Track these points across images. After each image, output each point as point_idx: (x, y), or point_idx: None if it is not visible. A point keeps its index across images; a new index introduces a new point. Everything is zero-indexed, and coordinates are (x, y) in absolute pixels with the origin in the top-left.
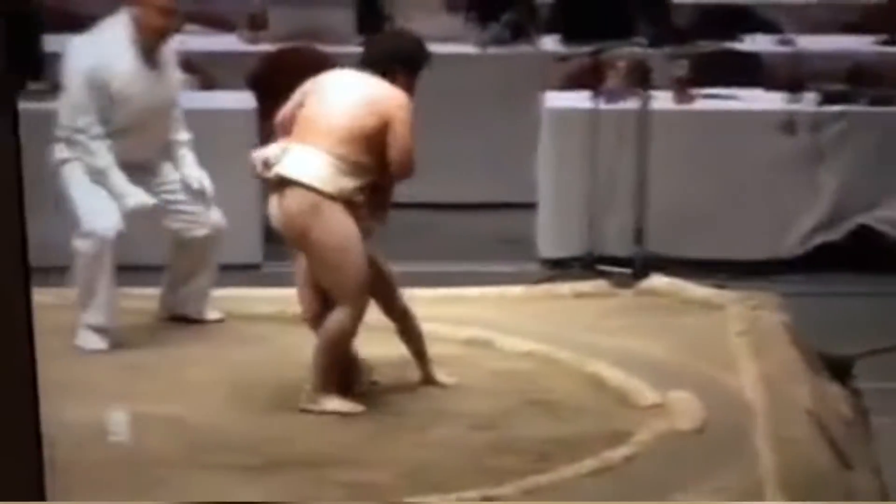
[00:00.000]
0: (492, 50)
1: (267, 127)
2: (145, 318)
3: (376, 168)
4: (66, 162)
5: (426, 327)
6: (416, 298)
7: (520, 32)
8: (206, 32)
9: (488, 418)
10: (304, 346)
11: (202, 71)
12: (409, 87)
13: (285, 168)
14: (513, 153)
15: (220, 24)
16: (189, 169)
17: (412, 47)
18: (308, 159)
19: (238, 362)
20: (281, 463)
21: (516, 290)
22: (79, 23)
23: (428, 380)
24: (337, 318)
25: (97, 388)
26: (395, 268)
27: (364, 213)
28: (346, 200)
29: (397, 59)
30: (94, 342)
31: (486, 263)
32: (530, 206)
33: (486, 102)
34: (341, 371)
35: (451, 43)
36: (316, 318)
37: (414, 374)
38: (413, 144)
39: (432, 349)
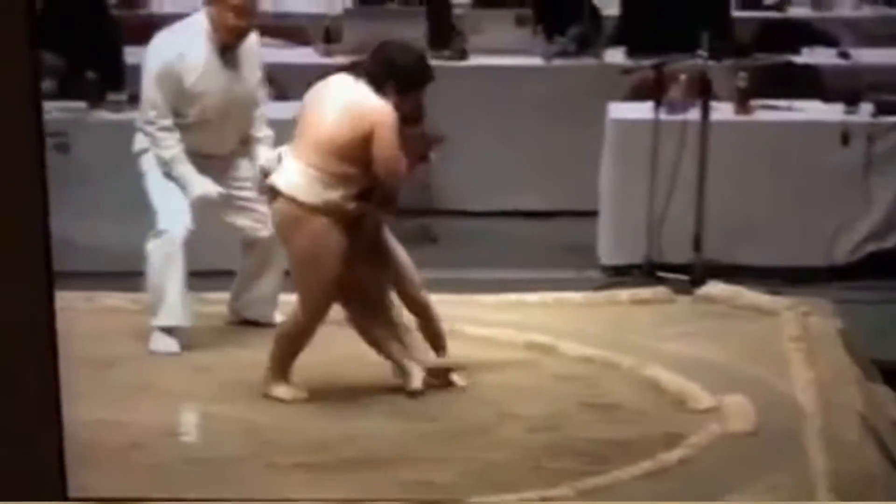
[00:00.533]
0: (558, 62)
1: None
2: (216, 321)
3: (364, 176)
4: (145, 152)
5: (488, 332)
6: (480, 304)
7: (585, 45)
8: (282, 45)
9: (547, 421)
10: (367, 349)
11: (276, 82)
12: (400, 102)
13: (274, 179)
14: (576, 162)
15: (296, 37)
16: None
17: (408, 64)
18: (293, 170)
19: (302, 365)
20: (346, 463)
21: (577, 296)
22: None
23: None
24: (295, 317)
25: (169, 390)
26: (460, 274)
27: (369, 211)
28: (332, 212)
29: (391, 74)
30: (167, 345)
31: (548, 270)
32: (592, 214)
33: (552, 113)
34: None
35: (520, 55)
36: (354, 321)
37: (483, 377)
38: (395, 152)
39: (494, 354)
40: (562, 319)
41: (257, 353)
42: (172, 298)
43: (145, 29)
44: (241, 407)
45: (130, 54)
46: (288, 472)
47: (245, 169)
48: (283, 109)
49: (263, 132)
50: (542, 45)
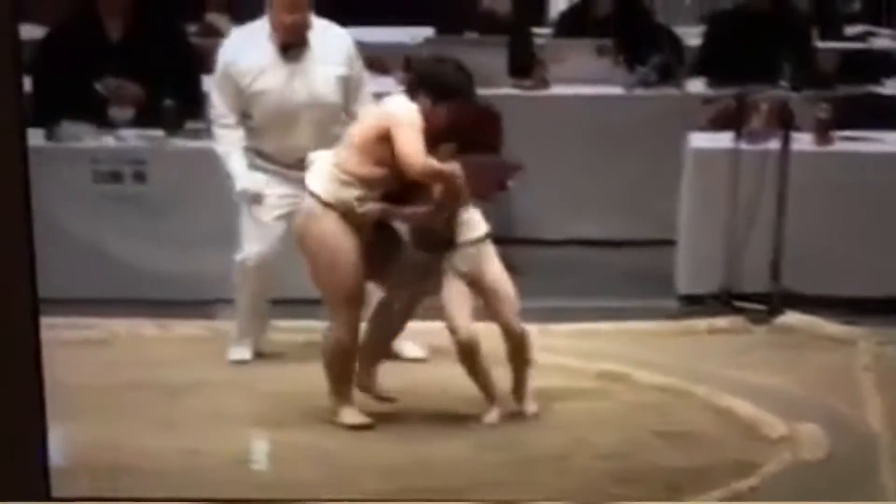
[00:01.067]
0: (639, 92)
1: None
2: (291, 348)
3: (385, 179)
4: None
5: (563, 361)
6: (555, 332)
7: (666, 75)
8: None
9: (620, 448)
10: (453, 375)
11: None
12: (433, 110)
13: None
14: (655, 191)
15: (376, 67)
16: None
17: (438, 72)
18: (320, 168)
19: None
20: (419, 490)
21: (652, 325)
22: None
23: (517, 404)
24: (331, 332)
25: (238, 416)
26: (537, 303)
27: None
28: (345, 212)
29: (421, 83)
30: (239, 353)
31: (625, 299)
32: (670, 244)
33: (631, 142)
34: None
35: (601, 85)
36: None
37: (557, 405)
38: (414, 149)
39: (568, 382)
40: (636, 348)
41: None
42: (244, 322)
43: None
44: (314, 434)
45: (209, 82)
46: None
47: None
48: None
49: None
50: (622, 75)
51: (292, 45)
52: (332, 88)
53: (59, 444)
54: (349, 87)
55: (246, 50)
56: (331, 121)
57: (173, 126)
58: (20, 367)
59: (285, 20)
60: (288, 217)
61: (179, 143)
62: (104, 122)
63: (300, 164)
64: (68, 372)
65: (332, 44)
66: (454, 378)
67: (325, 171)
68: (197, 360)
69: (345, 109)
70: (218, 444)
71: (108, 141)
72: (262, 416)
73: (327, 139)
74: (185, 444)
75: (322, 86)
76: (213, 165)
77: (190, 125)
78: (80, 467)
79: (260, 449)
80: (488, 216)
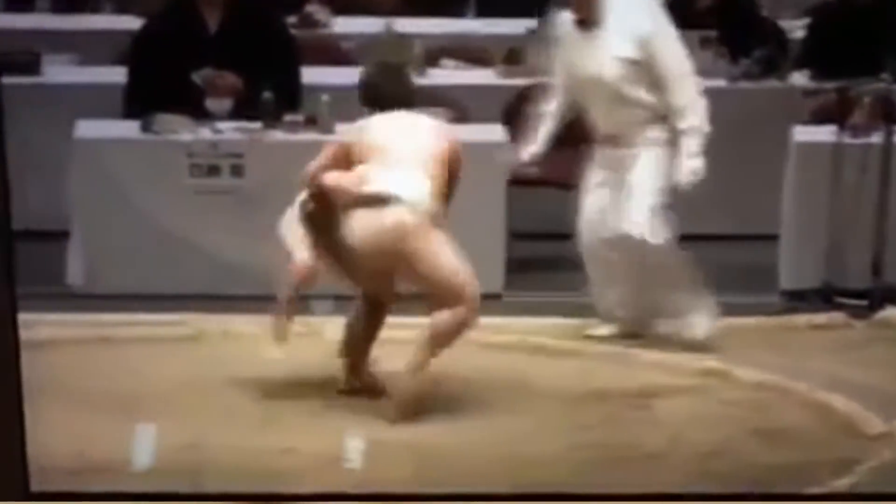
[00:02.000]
0: (743, 84)
1: None
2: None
3: None
4: None
5: (663, 357)
6: None
7: (770, 68)
8: (463, 67)
9: (718, 446)
10: (546, 375)
11: (455, 104)
12: None
13: None
14: (758, 185)
15: (479, 59)
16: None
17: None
18: None
19: (473, 390)
20: (512, 486)
21: (752, 321)
22: (335, 56)
23: None
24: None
25: (325, 416)
26: None
27: None
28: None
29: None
30: None
31: (728, 294)
32: (773, 238)
33: (735, 135)
34: None
35: (704, 77)
36: None
37: (656, 403)
38: None
39: (668, 379)
40: (737, 344)
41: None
42: None
43: (323, 50)
44: (406, 431)
45: (307, 75)
46: (456, 499)
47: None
48: (458, 132)
49: (687, 122)
50: (726, 67)
51: (584, 22)
52: (621, 70)
53: (145, 442)
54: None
55: (563, 20)
56: (624, 104)
57: (271, 118)
58: None
59: None
60: None
61: (278, 135)
62: (201, 115)
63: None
64: (157, 369)
65: (619, 23)
66: (539, 371)
67: None
68: (295, 359)
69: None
70: (315, 444)
71: (205, 133)
72: (359, 416)
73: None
74: (285, 443)
75: (608, 66)
76: (311, 158)
77: (288, 118)
78: (169, 466)
79: (354, 447)
80: None
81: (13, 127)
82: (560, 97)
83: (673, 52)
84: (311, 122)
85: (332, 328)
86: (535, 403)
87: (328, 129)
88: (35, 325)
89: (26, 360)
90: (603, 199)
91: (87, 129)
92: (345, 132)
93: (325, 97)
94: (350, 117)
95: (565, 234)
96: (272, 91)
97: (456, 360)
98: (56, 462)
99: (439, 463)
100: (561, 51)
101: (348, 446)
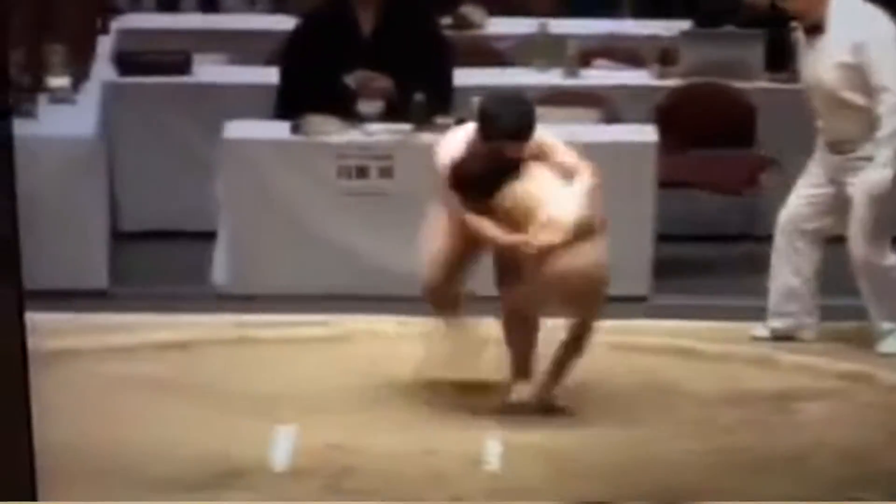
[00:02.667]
0: None
1: (666, 161)
2: None
3: None
4: None
5: (805, 360)
6: None
7: None
8: (615, 67)
9: (859, 451)
10: (688, 378)
11: (606, 104)
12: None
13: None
14: None
15: (631, 59)
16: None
17: (491, 113)
18: None
19: (613, 393)
20: (651, 494)
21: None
22: (489, 57)
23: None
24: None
25: (466, 419)
26: None
27: None
28: None
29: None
30: None
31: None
32: None
33: None
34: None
35: None
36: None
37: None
38: None
39: (810, 382)
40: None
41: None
42: None
43: (477, 51)
44: (542, 434)
45: (459, 76)
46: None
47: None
48: (610, 132)
49: (883, 131)
50: None
51: (809, 31)
52: (836, 77)
53: (286, 444)
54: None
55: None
56: (845, 112)
57: (422, 120)
58: (5, 368)
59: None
60: None
61: (427, 137)
62: (351, 117)
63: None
64: (301, 370)
65: (835, 31)
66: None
67: None
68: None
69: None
70: (449, 445)
71: (355, 135)
72: (496, 417)
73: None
74: (415, 445)
75: (826, 74)
76: None
77: (439, 120)
78: (310, 468)
79: (492, 450)
80: (736, 211)
81: (164, 127)
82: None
83: (885, 60)
84: (461, 124)
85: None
86: (676, 406)
87: None
88: (176, 326)
89: (167, 360)
90: (818, 198)
91: (237, 129)
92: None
93: (475, 99)
94: None
95: (712, 237)
96: (424, 93)
97: (598, 363)
98: (203, 462)
99: (577, 467)
100: (799, 59)
101: (488, 450)
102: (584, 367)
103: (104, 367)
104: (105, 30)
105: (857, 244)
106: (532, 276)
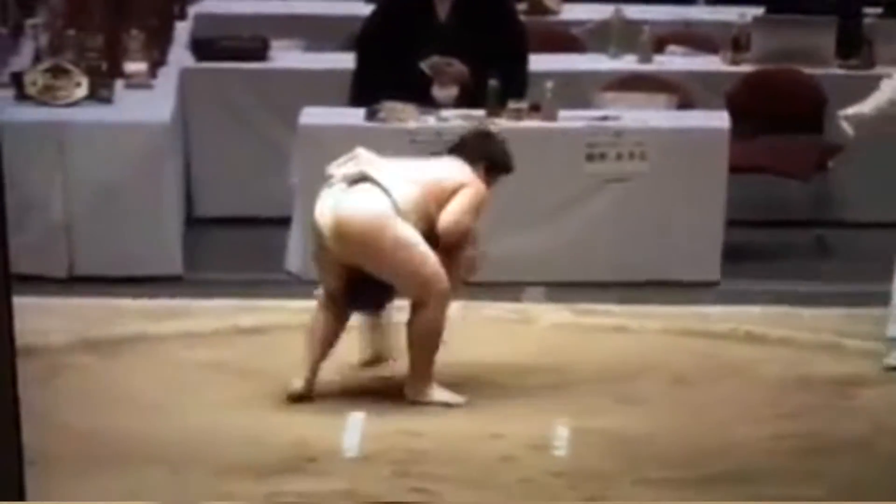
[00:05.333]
0: None
1: (737, 146)
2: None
3: None
4: None
5: (872, 346)
6: (866, 317)
7: None
8: (689, 53)
9: None
10: (755, 362)
11: (680, 90)
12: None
13: None
14: None
15: (704, 45)
16: None
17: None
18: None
19: (679, 377)
20: (715, 478)
21: None
22: (563, 43)
23: None
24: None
25: (531, 403)
26: (851, 287)
27: None
28: None
29: (485, 158)
30: None
31: None
32: None
33: None
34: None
35: None
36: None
37: (862, 392)
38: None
39: (875, 367)
40: None
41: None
42: None
43: (552, 37)
44: (611, 419)
45: (533, 61)
46: (656, 486)
47: None
48: (683, 118)
49: None
50: None
51: None
52: None
53: (356, 430)
54: None
55: None
56: None
57: (496, 106)
58: None
59: None
60: None
61: (501, 123)
62: (426, 103)
63: None
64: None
65: None
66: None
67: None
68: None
69: None
70: (519, 429)
71: (429, 121)
72: (561, 402)
73: None
74: (488, 429)
75: None
76: (539, 146)
77: (512, 105)
78: (380, 453)
79: (561, 435)
80: (805, 197)
81: (240, 113)
82: None
83: None
84: (535, 110)
85: (543, 315)
86: (745, 391)
87: (551, 117)
88: (250, 312)
89: (241, 346)
90: None
91: (312, 115)
92: None
93: (549, 84)
94: (575, 104)
95: (781, 223)
96: (499, 79)
97: (667, 348)
98: (276, 448)
99: (646, 451)
100: None
101: (554, 433)
102: (653, 352)
103: (178, 353)
104: (182, 15)
105: None
106: None
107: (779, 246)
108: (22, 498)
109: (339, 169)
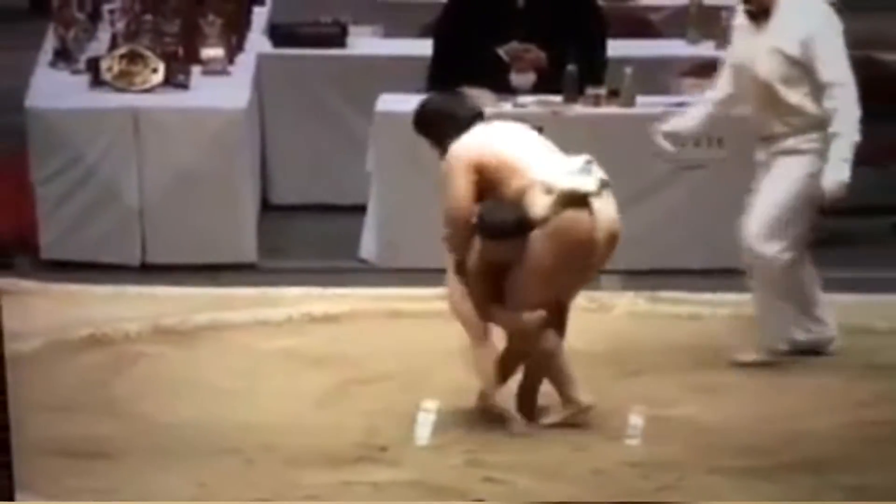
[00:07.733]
0: None
1: None
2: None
3: None
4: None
5: None
6: None
7: None
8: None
9: None
10: (833, 351)
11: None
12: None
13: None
14: None
15: None
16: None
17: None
18: None
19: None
20: (790, 466)
21: None
22: (643, 28)
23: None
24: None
25: (608, 391)
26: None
27: None
28: None
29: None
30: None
31: None
32: None
33: None
34: None
35: None
36: None
37: None
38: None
39: None
40: None
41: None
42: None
43: (630, 23)
44: (687, 408)
45: (612, 47)
46: (729, 474)
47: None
48: None
49: (835, 127)
50: None
51: (756, 18)
52: (783, 68)
53: (429, 419)
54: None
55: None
56: (787, 103)
57: (574, 92)
58: None
59: None
60: None
61: (578, 109)
62: (503, 89)
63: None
64: (450, 344)
65: (784, 19)
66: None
67: None
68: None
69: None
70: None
71: (507, 107)
72: (636, 391)
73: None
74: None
75: (773, 63)
76: (617, 132)
77: (591, 91)
78: (453, 442)
79: (633, 423)
80: (884, 183)
81: (317, 99)
82: (726, 88)
83: (833, 57)
84: (613, 96)
85: (618, 303)
86: (815, 379)
87: (629, 103)
88: (325, 299)
89: (316, 333)
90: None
91: (389, 102)
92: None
93: (628, 70)
94: (653, 90)
95: (858, 209)
96: (577, 64)
97: (739, 335)
98: (348, 436)
99: (720, 441)
100: (734, 42)
101: (630, 423)
102: (727, 340)
103: (252, 342)
104: (261, 1)
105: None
106: None
107: (854, 232)
108: (10, 498)
109: (588, 176)
